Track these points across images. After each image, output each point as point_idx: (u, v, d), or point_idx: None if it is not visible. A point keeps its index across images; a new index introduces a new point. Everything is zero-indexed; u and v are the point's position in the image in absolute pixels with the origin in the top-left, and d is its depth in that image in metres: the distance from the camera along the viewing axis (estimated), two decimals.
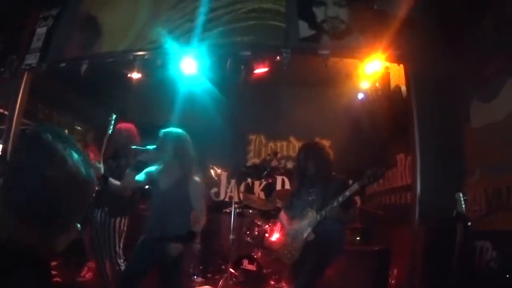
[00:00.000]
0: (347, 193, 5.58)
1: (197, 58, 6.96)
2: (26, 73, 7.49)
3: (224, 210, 9.46)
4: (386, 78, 7.51)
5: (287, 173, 10.32)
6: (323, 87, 9.65)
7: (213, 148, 9.97)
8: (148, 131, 6.51)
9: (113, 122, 6.27)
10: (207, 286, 8.25)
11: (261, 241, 8.20)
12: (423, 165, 5.93)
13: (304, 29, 6.45)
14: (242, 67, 7.13)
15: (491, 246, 4.81)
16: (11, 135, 7.11)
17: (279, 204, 8.60)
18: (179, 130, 5.95)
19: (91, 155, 6.92)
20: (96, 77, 7.61)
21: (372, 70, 7.01)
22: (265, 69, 7.88)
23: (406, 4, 6.08)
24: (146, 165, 5.94)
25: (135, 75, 7.82)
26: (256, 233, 8.34)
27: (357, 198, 7.73)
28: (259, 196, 10.26)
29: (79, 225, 1.80)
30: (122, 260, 6.54)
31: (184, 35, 6.76)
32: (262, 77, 8.07)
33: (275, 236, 7.97)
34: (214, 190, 10.84)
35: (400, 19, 6.06)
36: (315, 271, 5.79)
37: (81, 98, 9.74)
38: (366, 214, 8.12)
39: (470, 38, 5.74)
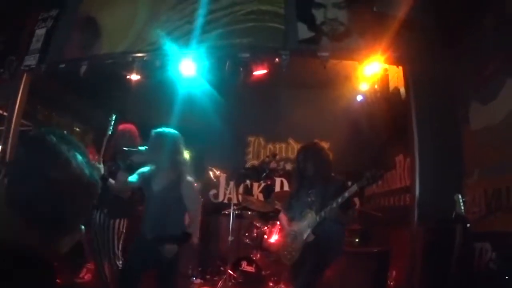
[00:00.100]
0: (346, 194, 5.60)
1: (196, 60, 6.96)
2: (25, 74, 7.49)
3: (223, 212, 9.49)
4: (385, 80, 7.51)
5: (286, 175, 10.32)
6: (322, 89, 9.64)
7: (212, 150, 10.02)
8: (147, 133, 6.49)
9: (113, 123, 6.26)
10: None
11: (259, 243, 8.21)
12: (422, 166, 5.93)
13: (303, 31, 6.45)
14: (241, 69, 7.10)
15: (490, 247, 4.81)
16: (10, 136, 7.12)
17: (277, 205, 8.59)
18: (171, 130, 5.89)
19: (90, 156, 6.91)
20: (95, 78, 7.60)
21: (371, 72, 7.03)
22: (264, 71, 7.89)
23: (405, 6, 6.08)
24: (140, 166, 5.93)
25: (134, 77, 7.81)
26: (255, 234, 8.35)
27: (356, 200, 7.73)
28: (257, 197, 10.28)
29: (83, 227, 1.81)
30: (121, 262, 6.53)
31: (183, 37, 6.77)
32: (261, 79, 8.07)
33: (273, 238, 7.99)
34: (213, 191, 10.87)
35: (399, 21, 6.06)
36: (314, 272, 5.80)
37: (80, 99, 9.74)
38: (365, 216, 8.12)
39: (469, 39, 5.74)
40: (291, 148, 10.88)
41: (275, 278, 8.05)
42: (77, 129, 10.20)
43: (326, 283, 6.17)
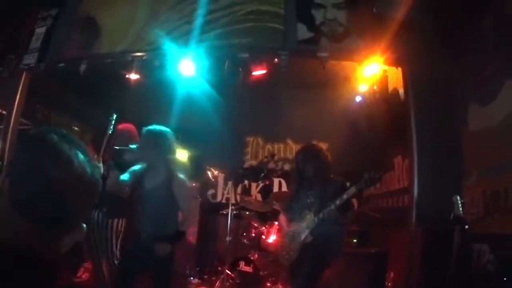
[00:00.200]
0: (345, 196, 5.60)
1: (195, 60, 6.96)
2: (24, 73, 7.49)
3: (221, 212, 9.48)
4: (384, 81, 7.53)
5: (284, 175, 10.31)
6: (321, 90, 9.65)
7: (211, 150, 10.03)
8: None
9: (113, 122, 6.24)
10: None
11: (257, 243, 8.21)
12: (420, 167, 5.94)
13: (303, 32, 6.45)
14: (240, 69, 7.10)
15: (488, 249, 4.82)
16: (9, 134, 7.12)
17: (276, 206, 8.60)
18: (162, 128, 5.82)
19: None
20: (94, 77, 7.60)
21: (370, 73, 7.03)
22: (263, 71, 7.89)
23: (404, 7, 6.08)
24: (132, 164, 5.91)
25: (134, 76, 7.81)
26: (253, 234, 8.34)
27: (354, 201, 7.73)
28: (256, 198, 10.29)
29: (84, 226, 1.81)
30: (118, 261, 6.54)
31: (183, 37, 6.77)
32: (260, 79, 8.08)
33: (271, 238, 7.99)
34: (211, 191, 10.87)
35: (398, 22, 6.06)
36: (312, 274, 5.81)
37: (79, 98, 9.73)
38: (363, 217, 8.12)
39: (468, 39, 5.74)
40: (289, 149, 10.90)
41: (273, 279, 8.04)
42: (76, 128, 10.18)
43: (324, 284, 6.17)
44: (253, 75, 7.83)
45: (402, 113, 6.42)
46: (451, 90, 6.05)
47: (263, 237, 8.14)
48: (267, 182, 10.10)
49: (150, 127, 5.79)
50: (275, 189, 10.33)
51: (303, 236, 5.91)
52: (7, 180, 1.63)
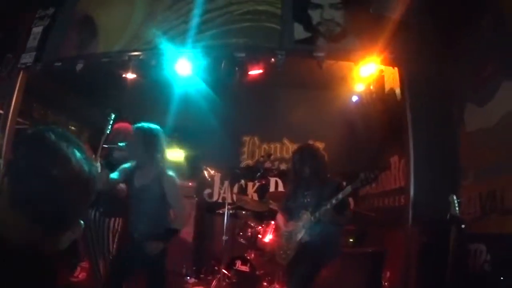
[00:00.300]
0: (340, 195, 5.61)
1: (192, 59, 6.95)
2: (21, 72, 7.47)
3: (217, 211, 9.48)
4: (380, 81, 7.53)
5: (281, 174, 10.34)
6: (317, 90, 9.68)
7: (207, 149, 10.04)
8: None
9: (111, 121, 6.22)
10: (200, 287, 8.27)
11: (254, 242, 8.21)
12: (416, 167, 5.94)
13: (299, 32, 6.45)
14: (237, 68, 7.11)
15: (485, 249, 4.84)
16: (6, 134, 7.11)
17: (272, 205, 8.62)
18: (150, 125, 5.76)
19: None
20: (91, 76, 7.61)
21: (367, 72, 7.03)
22: (260, 71, 7.89)
23: (402, 7, 6.09)
24: (122, 162, 5.87)
25: (130, 75, 7.81)
26: (249, 234, 8.34)
27: (351, 200, 7.75)
28: (252, 197, 10.28)
29: (82, 222, 1.82)
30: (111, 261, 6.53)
31: (179, 36, 6.76)
32: (257, 79, 8.08)
33: (268, 237, 7.99)
34: (207, 191, 10.86)
35: (396, 22, 6.07)
36: (309, 273, 5.82)
37: (76, 97, 9.72)
38: (360, 216, 8.12)
39: (467, 40, 5.75)
40: (286, 148, 10.90)
41: (269, 278, 8.06)
42: (73, 127, 10.17)
43: (321, 283, 6.18)
44: (250, 75, 7.82)
45: (399, 113, 6.43)
46: (448, 90, 6.06)
47: (260, 236, 8.14)
48: (263, 182, 10.13)
49: (139, 125, 5.76)
50: (272, 188, 10.36)
51: (299, 236, 5.92)
52: (6, 180, 1.64)
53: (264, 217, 8.70)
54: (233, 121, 10.25)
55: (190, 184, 9.88)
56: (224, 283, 7.99)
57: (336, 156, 9.18)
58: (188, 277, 8.79)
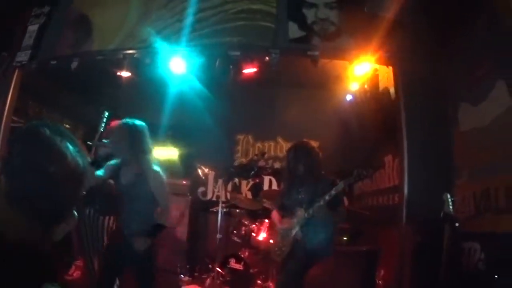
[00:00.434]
0: (333, 191, 5.64)
1: (186, 58, 6.95)
2: (17, 70, 7.47)
3: (211, 209, 9.53)
4: (375, 80, 7.56)
5: (274, 173, 10.37)
6: (312, 88, 9.71)
7: (201, 148, 10.06)
8: None
9: (105, 119, 6.21)
10: (194, 285, 8.27)
11: (248, 240, 8.23)
12: (410, 166, 5.96)
13: (294, 30, 6.46)
14: (231, 67, 7.11)
15: (479, 248, 4.86)
16: (1, 132, 7.10)
17: (266, 204, 8.64)
18: (135, 121, 5.66)
19: None
20: (86, 75, 7.60)
21: (361, 72, 7.06)
22: (254, 70, 7.89)
23: (396, 6, 6.11)
24: (108, 159, 5.79)
25: (125, 74, 7.82)
26: (243, 232, 8.36)
27: (345, 199, 7.77)
28: (246, 195, 10.32)
29: (76, 214, 1.83)
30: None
31: (174, 35, 6.76)
32: (251, 77, 8.09)
33: (262, 235, 8.02)
34: (201, 189, 10.85)
35: (390, 21, 6.09)
36: (300, 268, 5.86)
37: (71, 95, 9.71)
38: (354, 215, 8.15)
39: (461, 39, 5.76)
40: (279, 147, 10.92)
41: (263, 276, 8.08)
42: (67, 125, 10.15)
43: (315, 281, 6.20)
44: (244, 73, 7.83)
45: (393, 112, 6.45)
46: (442, 89, 6.08)
47: (253, 234, 8.17)
48: (257, 180, 10.17)
49: (123, 121, 5.70)
50: (265, 187, 10.39)
51: (293, 232, 5.96)
52: (2, 178, 1.64)
53: (258, 215, 8.72)
54: (227, 119, 10.25)
55: (184, 182, 9.89)
56: (218, 281, 8.00)
57: (330, 154, 9.19)
58: (182, 276, 8.78)
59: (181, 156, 10.48)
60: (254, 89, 9.59)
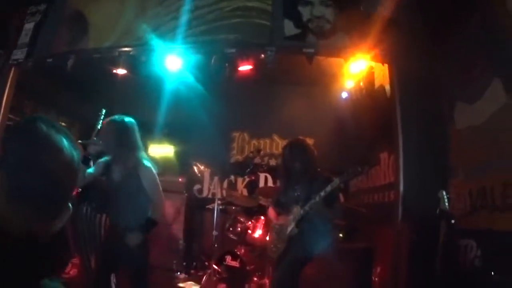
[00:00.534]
0: (329, 188, 5.66)
1: (182, 55, 6.96)
2: (13, 68, 7.45)
3: (207, 207, 9.51)
4: (370, 77, 7.57)
5: (270, 170, 10.38)
6: (307, 86, 9.74)
7: (197, 145, 10.07)
8: None
9: (102, 117, 6.21)
10: (191, 282, 8.29)
11: (244, 238, 8.25)
12: (406, 163, 5.97)
13: (290, 28, 6.46)
14: (227, 64, 7.11)
15: (475, 245, 4.88)
16: None
17: (261, 201, 8.67)
18: (123, 117, 5.71)
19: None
20: (82, 72, 7.59)
21: (357, 69, 7.08)
22: (250, 67, 7.90)
23: (391, 5, 6.12)
24: (99, 157, 5.81)
25: (121, 71, 7.82)
26: (239, 229, 8.38)
27: (341, 196, 7.78)
28: (242, 193, 10.35)
29: (70, 205, 1.84)
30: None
31: (170, 32, 6.76)
32: (247, 75, 8.09)
33: (257, 233, 8.05)
34: (197, 186, 10.87)
35: (385, 20, 6.10)
36: (295, 265, 5.88)
37: (67, 93, 9.70)
38: (350, 212, 8.16)
39: (456, 38, 5.77)
40: (275, 144, 10.93)
41: (259, 273, 8.11)
42: (63, 123, 10.13)
43: (310, 278, 6.21)
44: (240, 70, 7.83)
45: (388, 109, 6.46)
46: (438, 87, 6.09)
47: (249, 231, 8.19)
48: (253, 177, 10.19)
49: (111, 118, 5.72)
50: (261, 184, 10.40)
51: (289, 229, 5.97)
52: (3, 175, 1.65)
53: (253, 212, 8.74)
54: (223, 117, 10.23)
55: (180, 179, 9.91)
56: (215, 279, 8.01)
57: (326, 152, 9.13)
58: (179, 273, 8.82)
59: (177, 154, 10.49)
60: (250, 87, 9.59)
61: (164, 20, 6.86)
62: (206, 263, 8.71)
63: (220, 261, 8.17)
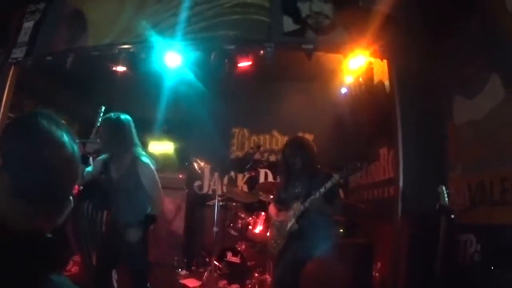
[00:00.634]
0: (328, 184, 5.66)
1: (182, 52, 6.97)
2: (12, 67, 7.45)
3: (207, 203, 9.53)
4: (369, 73, 7.57)
5: (270, 166, 10.39)
6: (307, 82, 9.75)
7: (197, 141, 10.07)
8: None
9: (101, 114, 6.21)
10: (192, 279, 8.31)
11: (244, 234, 8.27)
12: (406, 159, 5.98)
13: (288, 24, 6.47)
14: (226, 61, 7.12)
15: (475, 239, 4.90)
16: None
17: (262, 196, 8.69)
18: (119, 114, 5.68)
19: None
20: (81, 70, 7.58)
21: (356, 65, 7.08)
22: (249, 63, 7.90)
23: (390, 1, 6.12)
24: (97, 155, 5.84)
25: (120, 69, 7.82)
26: (240, 225, 8.41)
27: (340, 192, 7.80)
28: (242, 189, 10.37)
29: (71, 199, 1.85)
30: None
31: (169, 29, 6.76)
32: (246, 71, 8.10)
33: (258, 228, 8.06)
34: (197, 183, 10.88)
35: (384, 16, 6.10)
36: (296, 260, 5.88)
37: (66, 91, 9.70)
38: (350, 208, 8.17)
39: (455, 37, 5.77)
40: (275, 140, 10.94)
41: (260, 269, 8.12)
42: (63, 121, 10.13)
43: (311, 274, 6.22)
44: (239, 67, 7.84)
45: (387, 105, 6.47)
46: (437, 83, 6.10)
47: (250, 227, 8.20)
48: (253, 173, 10.20)
49: (106, 116, 5.73)
50: (261, 180, 10.41)
51: (289, 225, 5.98)
52: (5, 173, 1.65)
53: (254, 208, 8.77)
54: (223, 113, 10.23)
55: (180, 176, 9.92)
56: (216, 275, 8.04)
57: (325, 147, 9.15)
58: (180, 269, 8.84)
59: (177, 150, 10.48)
60: (249, 83, 9.58)
61: (163, 17, 6.86)
62: (207, 259, 8.72)
63: (221, 257, 8.20)
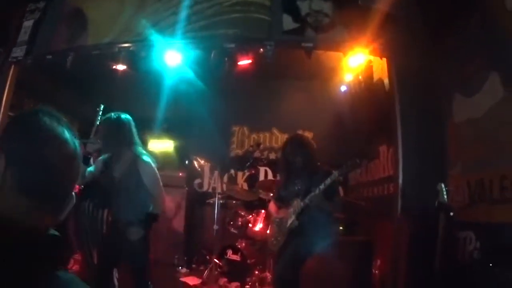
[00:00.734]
0: (328, 181, 5.68)
1: (182, 51, 6.98)
2: (12, 66, 7.46)
3: (207, 201, 9.53)
4: (369, 71, 7.57)
5: (270, 164, 10.41)
6: (306, 80, 9.76)
7: (197, 139, 10.08)
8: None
9: (101, 113, 6.22)
10: (192, 277, 8.32)
11: (244, 231, 8.29)
12: (405, 156, 6.00)
13: (288, 22, 6.48)
14: (226, 59, 7.13)
15: (474, 237, 4.91)
16: None
17: (262, 194, 8.69)
18: (119, 114, 5.68)
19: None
20: (81, 69, 7.57)
21: (356, 63, 7.08)
22: (249, 62, 7.91)
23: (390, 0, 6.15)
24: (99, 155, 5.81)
25: (121, 67, 7.82)
26: (240, 223, 8.43)
27: (340, 189, 7.81)
28: (242, 187, 10.38)
29: (73, 194, 1.86)
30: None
31: (169, 28, 6.76)
32: (246, 69, 8.10)
33: (258, 226, 8.07)
34: (197, 181, 10.90)
35: (384, 14, 6.11)
36: (296, 257, 5.89)
37: (66, 90, 9.70)
38: (349, 205, 8.18)
39: (455, 36, 5.78)
40: (275, 138, 10.95)
41: (261, 266, 8.14)
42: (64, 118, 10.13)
43: (310, 271, 6.23)
44: (239, 65, 7.84)
45: (387, 103, 6.49)
46: (436, 82, 6.11)
47: (250, 225, 8.22)
48: (253, 171, 10.22)
49: (106, 116, 5.73)
50: (261, 177, 10.42)
51: (289, 222, 5.99)
52: (10, 172, 1.66)
53: (254, 206, 8.78)
54: (223, 111, 10.25)
55: (180, 174, 9.94)
56: (216, 273, 8.06)
57: (325, 145, 9.11)
58: (180, 267, 8.87)
59: (177, 148, 10.51)
60: (249, 81, 9.58)
61: (163, 15, 6.87)
62: (207, 257, 8.75)
63: (221, 255, 8.22)
